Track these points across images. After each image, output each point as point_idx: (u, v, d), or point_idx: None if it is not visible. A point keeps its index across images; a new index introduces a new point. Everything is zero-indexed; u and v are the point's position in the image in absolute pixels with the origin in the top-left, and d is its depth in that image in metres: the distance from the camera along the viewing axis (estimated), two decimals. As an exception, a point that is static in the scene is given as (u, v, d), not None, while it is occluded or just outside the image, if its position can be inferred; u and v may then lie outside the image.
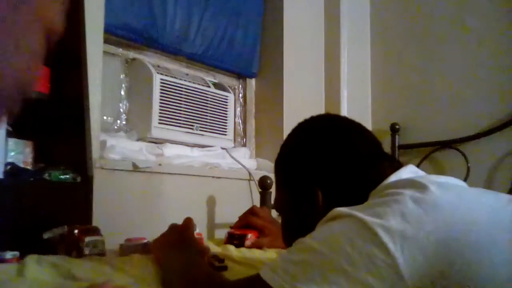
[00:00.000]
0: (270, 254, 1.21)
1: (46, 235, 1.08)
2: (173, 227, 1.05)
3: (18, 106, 0.36)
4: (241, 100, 2.25)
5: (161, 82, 1.77)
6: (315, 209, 0.80)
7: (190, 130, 1.87)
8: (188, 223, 1.05)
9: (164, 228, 1.10)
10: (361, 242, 0.61)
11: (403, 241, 0.60)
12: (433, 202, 0.64)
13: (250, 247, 1.24)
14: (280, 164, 0.91)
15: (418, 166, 2.12)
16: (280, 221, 1.12)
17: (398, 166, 0.80)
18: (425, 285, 0.58)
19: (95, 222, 1.29)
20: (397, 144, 2.26)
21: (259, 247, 1.24)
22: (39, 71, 0.37)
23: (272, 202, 1.68)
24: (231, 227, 1.36)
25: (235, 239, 1.26)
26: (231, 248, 1.22)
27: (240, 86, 2.26)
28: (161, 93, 1.76)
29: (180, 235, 1.00)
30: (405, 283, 0.58)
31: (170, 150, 1.77)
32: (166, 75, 1.80)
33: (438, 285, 0.58)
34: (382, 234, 0.60)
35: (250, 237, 1.26)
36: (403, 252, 0.59)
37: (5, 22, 0.32)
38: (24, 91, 0.36)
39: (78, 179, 1.30)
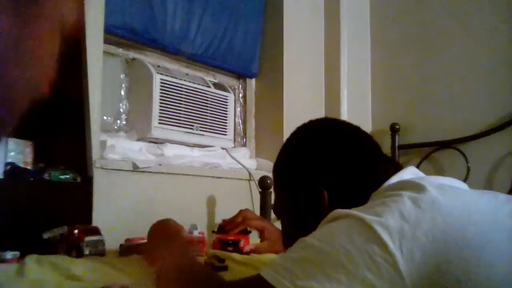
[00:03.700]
0: (271, 255, 1.21)
1: (46, 235, 1.08)
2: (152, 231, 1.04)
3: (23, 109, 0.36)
4: (241, 100, 2.25)
5: (161, 82, 1.77)
6: (320, 208, 0.80)
7: (190, 130, 1.87)
8: (165, 222, 1.04)
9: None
10: (360, 240, 0.61)
11: (402, 239, 0.60)
12: (431, 202, 0.65)
13: (248, 253, 1.23)
14: (281, 167, 0.92)
15: (418, 166, 2.14)
16: (273, 222, 1.12)
17: (398, 167, 0.82)
18: (423, 283, 0.59)
19: (95, 222, 1.30)
20: (397, 144, 2.26)
21: (258, 253, 1.24)
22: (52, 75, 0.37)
23: (273, 202, 1.69)
24: (215, 232, 1.35)
25: (229, 245, 1.26)
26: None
27: (240, 86, 2.26)
28: (161, 93, 1.76)
29: (163, 231, 1.00)
30: (404, 280, 0.59)
31: (170, 150, 1.77)
32: (166, 75, 1.80)
33: (436, 283, 0.59)
34: (381, 232, 0.61)
35: (243, 242, 1.26)
36: (402, 250, 0.60)
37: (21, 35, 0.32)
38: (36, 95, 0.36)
39: (78, 179, 1.30)
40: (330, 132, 0.88)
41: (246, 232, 1.30)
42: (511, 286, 0.59)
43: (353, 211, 0.66)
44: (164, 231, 1.00)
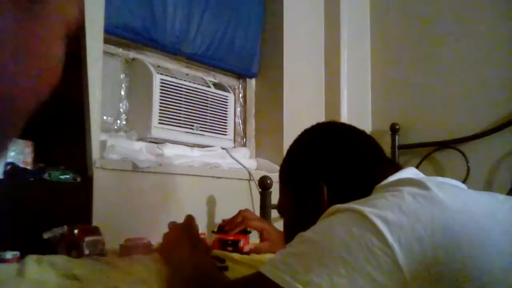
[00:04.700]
0: (270, 255, 1.21)
1: (46, 235, 1.08)
2: (175, 228, 1.05)
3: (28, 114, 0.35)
4: (241, 100, 2.25)
5: (161, 82, 1.77)
6: (319, 204, 0.82)
7: (190, 130, 1.87)
8: (190, 221, 1.05)
9: (164, 229, 1.10)
10: (359, 232, 0.62)
11: (400, 232, 0.61)
12: (431, 198, 0.65)
13: (248, 253, 1.23)
14: (286, 165, 0.95)
15: (418, 166, 2.14)
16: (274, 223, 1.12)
17: (398, 168, 0.83)
18: (421, 276, 0.59)
19: (95, 222, 1.30)
20: (397, 144, 2.26)
21: (258, 253, 1.24)
22: (56, 77, 0.37)
23: (272, 202, 1.69)
24: (215, 232, 1.35)
25: (229, 245, 1.26)
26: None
27: (240, 86, 2.26)
28: (161, 93, 1.76)
29: (185, 235, 1.01)
30: (402, 273, 0.59)
31: (170, 150, 1.77)
32: (166, 75, 1.79)
33: (434, 277, 0.59)
34: (380, 224, 0.61)
35: (243, 242, 1.26)
36: (400, 243, 0.60)
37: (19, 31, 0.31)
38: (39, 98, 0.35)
39: (78, 179, 1.30)
40: (334, 133, 0.91)
41: (245, 232, 1.30)
42: (509, 283, 0.59)
43: (352, 205, 0.67)
44: (183, 237, 1.00)
